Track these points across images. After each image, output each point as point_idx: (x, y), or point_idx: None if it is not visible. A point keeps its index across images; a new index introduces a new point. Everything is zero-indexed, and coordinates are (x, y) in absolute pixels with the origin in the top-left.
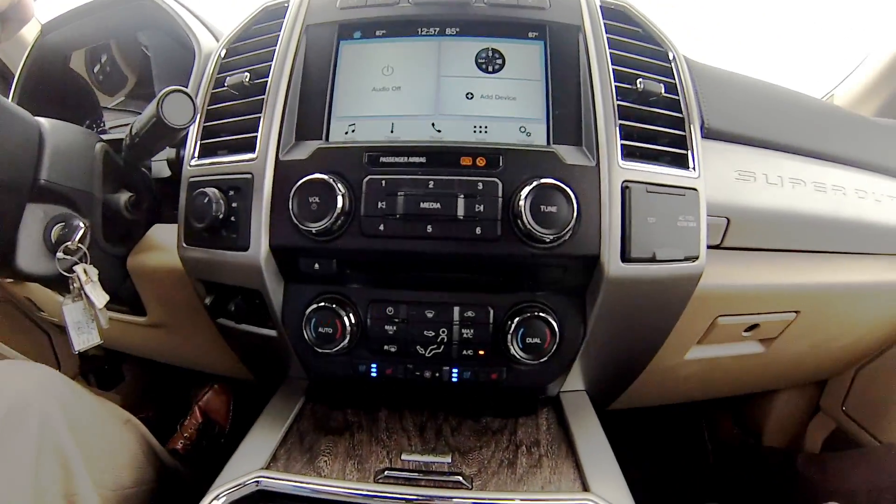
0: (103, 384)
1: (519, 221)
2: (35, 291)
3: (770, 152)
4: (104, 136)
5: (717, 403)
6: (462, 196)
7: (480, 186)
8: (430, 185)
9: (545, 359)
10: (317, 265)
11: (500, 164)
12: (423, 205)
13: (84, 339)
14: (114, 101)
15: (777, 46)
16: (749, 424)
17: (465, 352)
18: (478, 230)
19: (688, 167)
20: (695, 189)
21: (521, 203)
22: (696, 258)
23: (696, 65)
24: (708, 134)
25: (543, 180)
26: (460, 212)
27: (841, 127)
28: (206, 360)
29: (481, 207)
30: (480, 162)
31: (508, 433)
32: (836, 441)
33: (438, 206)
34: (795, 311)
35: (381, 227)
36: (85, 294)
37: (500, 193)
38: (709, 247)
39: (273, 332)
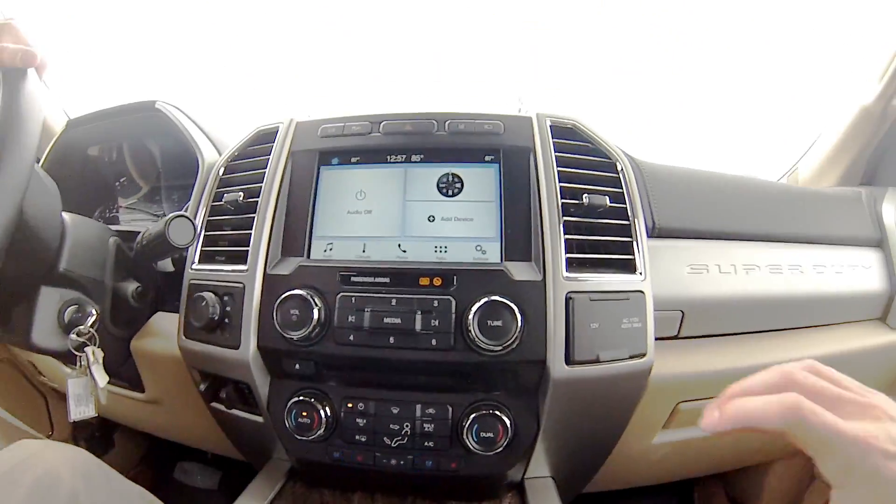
0: (94, 451)
1: (468, 334)
2: (39, 357)
3: (722, 242)
4: (116, 227)
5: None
6: (420, 312)
7: (436, 304)
8: (393, 303)
9: (500, 450)
10: (297, 365)
11: (455, 282)
12: (387, 320)
13: (81, 410)
14: (128, 202)
15: (741, 129)
16: (743, 496)
17: (426, 443)
18: (433, 341)
19: (634, 271)
20: (640, 291)
21: (470, 318)
22: (644, 355)
23: (647, 166)
24: (659, 233)
25: (491, 297)
26: (418, 326)
27: (795, 206)
28: (199, 437)
29: (436, 322)
30: (437, 281)
31: None
32: None
33: (399, 321)
34: None
35: (351, 338)
36: (90, 372)
37: (453, 310)
38: (664, 338)
39: (260, 419)
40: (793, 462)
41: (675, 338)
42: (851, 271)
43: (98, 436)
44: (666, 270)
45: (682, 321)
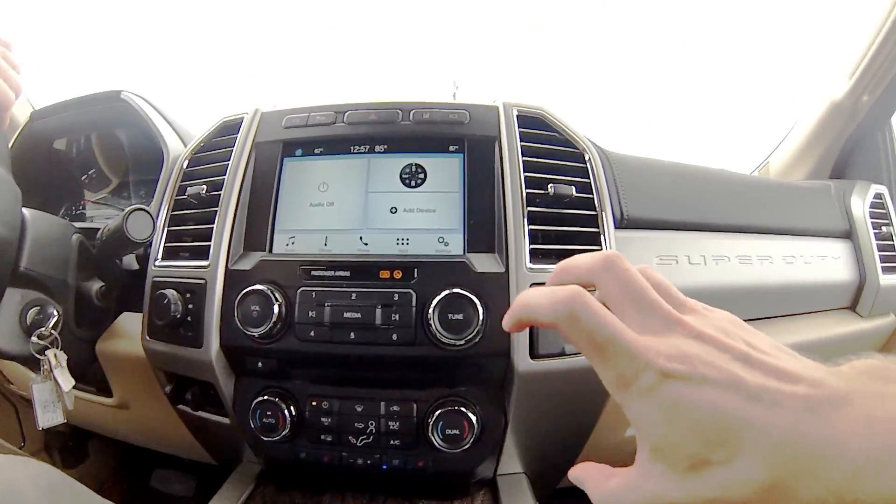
0: (68, 461)
1: (430, 328)
2: (6, 365)
3: (692, 234)
4: (83, 224)
5: None
6: (380, 306)
7: (396, 297)
8: (353, 297)
9: (467, 447)
10: (260, 363)
11: (415, 275)
12: (347, 314)
13: (49, 417)
14: (97, 196)
15: (713, 124)
16: None
17: (392, 441)
18: (394, 336)
19: None
20: None
21: (431, 312)
22: None
23: (616, 156)
24: (628, 224)
25: (452, 290)
26: (378, 320)
27: (765, 198)
28: (169, 442)
29: (397, 316)
30: (397, 274)
31: None
32: None
33: (359, 315)
34: None
35: (312, 333)
36: (54, 377)
37: (414, 303)
38: None
39: (226, 420)
40: None
41: None
42: (821, 262)
43: (71, 445)
44: (634, 262)
45: None
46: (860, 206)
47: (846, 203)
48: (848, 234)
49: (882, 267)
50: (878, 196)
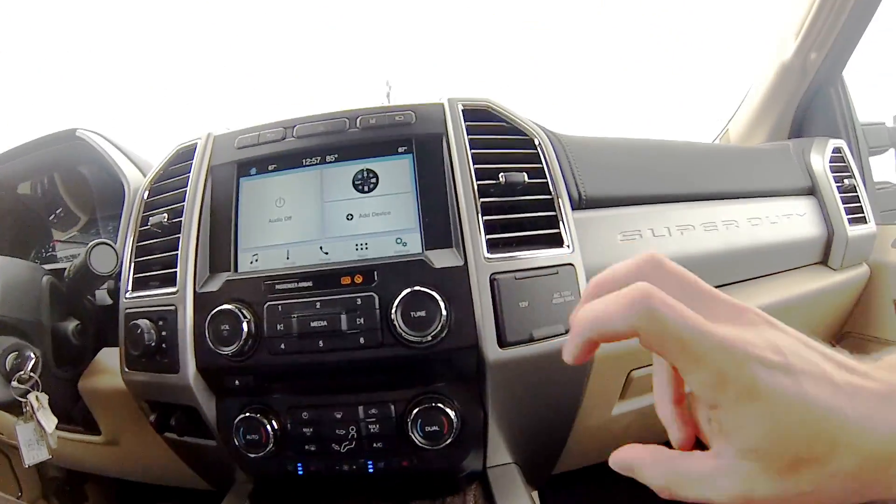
0: None
1: (394, 328)
2: None
3: (653, 207)
4: (55, 265)
5: None
6: (344, 312)
7: (359, 301)
8: (318, 306)
9: (448, 442)
10: (237, 381)
11: (375, 278)
12: (313, 324)
13: (34, 454)
14: (67, 235)
15: (670, 98)
16: None
17: (374, 444)
18: (361, 340)
19: (562, 245)
20: (570, 264)
21: (394, 312)
22: None
23: (570, 139)
24: (587, 204)
25: (413, 288)
26: (344, 326)
27: (724, 163)
28: (162, 473)
29: (362, 320)
30: (358, 279)
31: None
32: None
33: (325, 323)
34: None
35: (283, 346)
36: (37, 419)
37: (377, 305)
38: None
39: (213, 442)
40: None
41: None
42: (787, 220)
43: (69, 490)
44: (597, 241)
45: None
46: (820, 161)
47: (806, 160)
48: (811, 191)
49: (848, 219)
50: (837, 150)
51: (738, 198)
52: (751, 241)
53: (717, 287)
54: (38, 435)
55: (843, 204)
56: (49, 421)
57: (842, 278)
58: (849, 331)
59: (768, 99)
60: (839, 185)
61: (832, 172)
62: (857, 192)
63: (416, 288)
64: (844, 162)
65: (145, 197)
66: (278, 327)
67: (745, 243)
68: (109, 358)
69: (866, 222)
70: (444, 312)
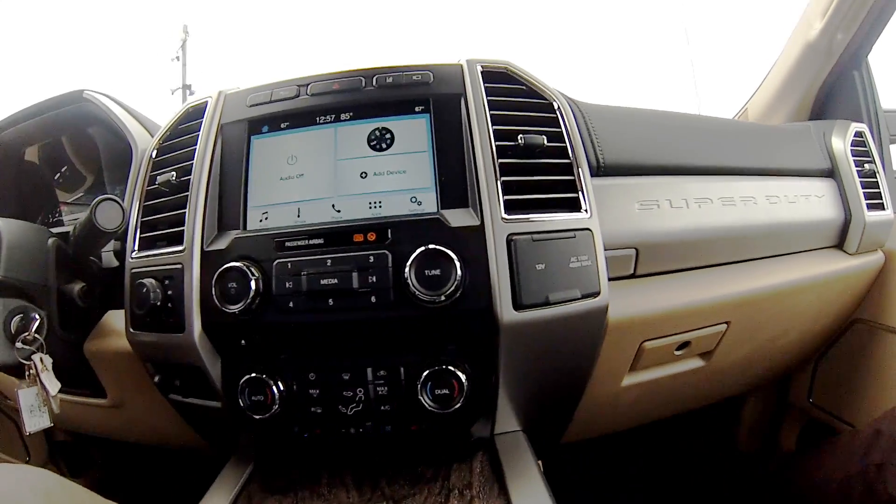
0: (74, 470)
1: (407, 288)
2: (2, 380)
3: (673, 178)
4: (61, 228)
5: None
6: (356, 270)
7: (371, 259)
8: (329, 263)
9: (458, 406)
10: (243, 341)
11: (389, 236)
12: (324, 281)
13: (35, 421)
14: (73, 196)
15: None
16: (721, 432)
17: (382, 407)
18: (373, 299)
19: (579, 209)
20: (587, 229)
21: (407, 270)
22: (597, 294)
23: (590, 106)
24: (606, 171)
25: (427, 246)
26: (355, 284)
27: (745, 140)
28: (166, 436)
29: (374, 279)
30: (371, 237)
31: (442, 479)
32: (812, 435)
33: (336, 281)
34: (725, 322)
35: (291, 304)
36: (40, 381)
37: (389, 264)
38: (621, 277)
39: (217, 404)
40: (766, 394)
41: (633, 276)
42: (805, 201)
43: (76, 454)
44: (615, 208)
45: (636, 259)
46: (841, 144)
47: (827, 142)
48: (830, 173)
49: (867, 204)
50: (859, 134)
51: (757, 174)
52: (768, 219)
53: (730, 263)
54: (41, 399)
55: (863, 188)
56: (52, 384)
57: (857, 263)
58: (859, 317)
59: (790, 79)
60: (859, 169)
61: (853, 156)
62: (876, 177)
63: (431, 246)
64: (866, 147)
65: (153, 156)
66: (287, 285)
67: (762, 220)
68: (115, 320)
69: (885, 209)
70: (458, 272)
